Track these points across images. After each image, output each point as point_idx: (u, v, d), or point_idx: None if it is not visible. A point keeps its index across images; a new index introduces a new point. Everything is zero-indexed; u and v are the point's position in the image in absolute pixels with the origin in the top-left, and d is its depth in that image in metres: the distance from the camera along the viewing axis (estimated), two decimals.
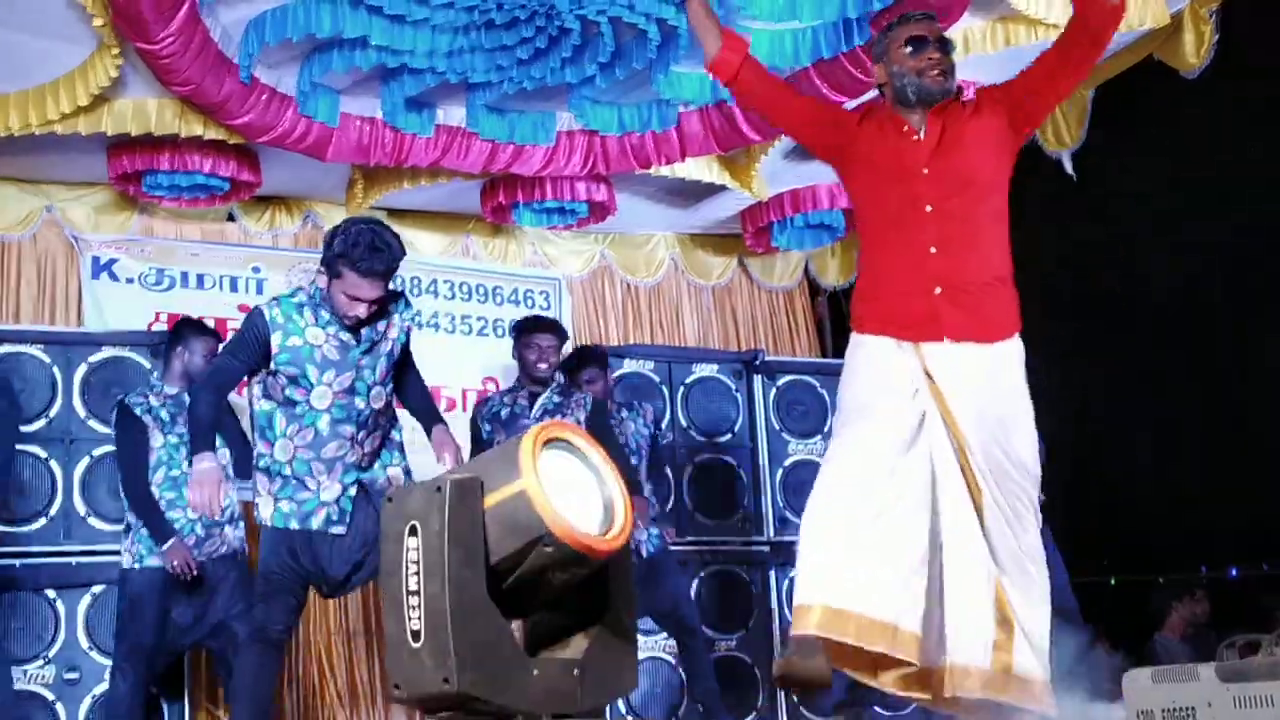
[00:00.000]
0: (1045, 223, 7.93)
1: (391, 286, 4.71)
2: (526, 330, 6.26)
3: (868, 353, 3.79)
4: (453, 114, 6.81)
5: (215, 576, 5.78)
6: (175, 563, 5.58)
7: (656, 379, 7.47)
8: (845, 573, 3.52)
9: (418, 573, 2.64)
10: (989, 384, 3.70)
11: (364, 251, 4.43)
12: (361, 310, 4.54)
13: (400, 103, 6.57)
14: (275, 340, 4.51)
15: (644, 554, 6.22)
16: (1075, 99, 6.97)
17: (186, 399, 5.78)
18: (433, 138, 6.82)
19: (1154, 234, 7.42)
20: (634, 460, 6.41)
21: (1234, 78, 6.39)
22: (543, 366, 6.14)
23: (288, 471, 4.58)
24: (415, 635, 2.60)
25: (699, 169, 7.45)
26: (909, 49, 3.92)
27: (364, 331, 4.63)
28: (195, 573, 5.65)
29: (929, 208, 3.77)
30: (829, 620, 3.49)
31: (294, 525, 4.57)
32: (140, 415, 5.79)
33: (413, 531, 2.66)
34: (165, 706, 6.18)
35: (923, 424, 3.64)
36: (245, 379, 4.68)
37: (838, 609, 3.49)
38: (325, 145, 6.69)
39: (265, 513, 4.61)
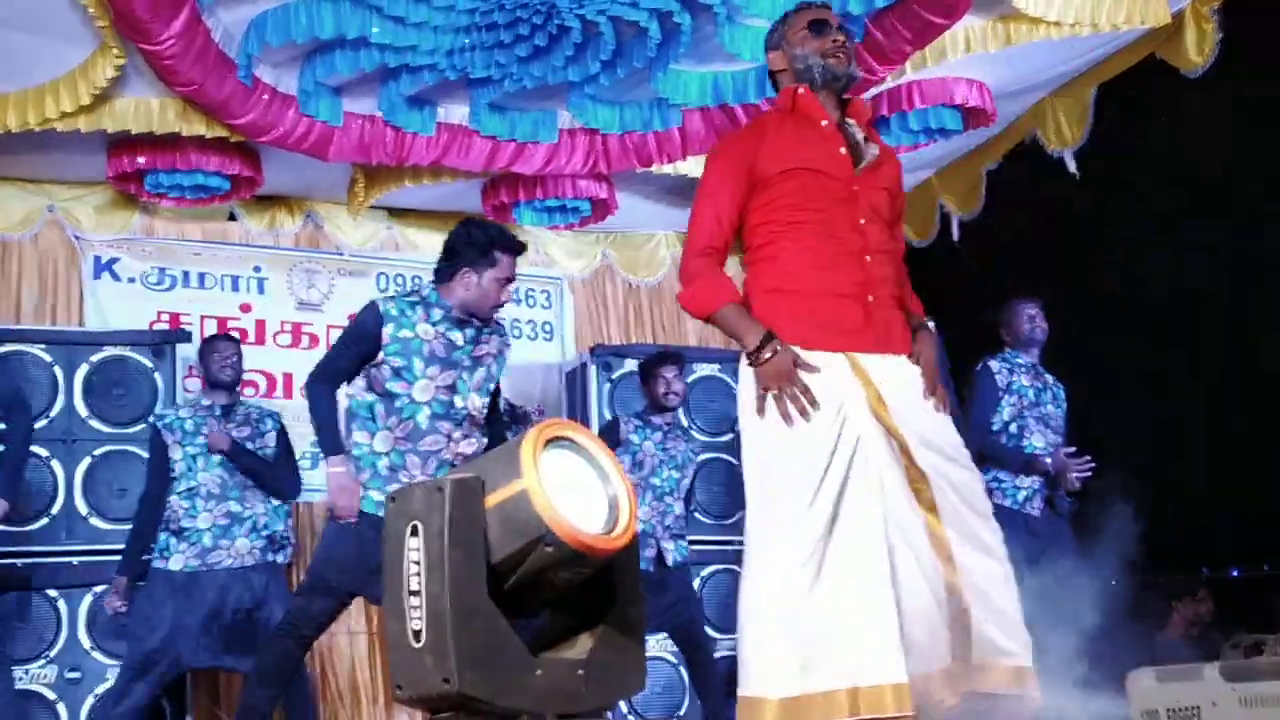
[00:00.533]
0: (1045, 221, 7.96)
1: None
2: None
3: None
4: (454, 112, 6.81)
5: (229, 586, 5.82)
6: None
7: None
8: (786, 657, 3.43)
9: (419, 573, 2.64)
10: (915, 390, 3.65)
11: (509, 235, 4.75)
12: (509, 293, 4.74)
13: (400, 101, 6.57)
14: (387, 332, 4.62)
15: (669, 562, 6.23)
16: (1077, 97, 6.98)
17: (218, 410, 5.99)
18: (434, 136, 6.82)
19: (1154, 233, 7.42)
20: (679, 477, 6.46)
21: (1236, 76, 6.39)
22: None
23: (383, 463, 4.61)
24: (416, 635, 2.59)
25: (700, 168, 7.44)
26: (810, 31, 3.75)
27: (469, 332, 4.73)
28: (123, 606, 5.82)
29: (862, 220, 3.64)
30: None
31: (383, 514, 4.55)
32: (161, 430, 5.91)
33: (414, 531, 2.65)
34: (167, 708, 6.17)
35: (856, 447, 3.47)
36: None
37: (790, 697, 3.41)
38: (327, 145, 6.69)
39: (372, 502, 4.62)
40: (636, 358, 7.32)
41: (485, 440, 4.79)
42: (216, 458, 5.85)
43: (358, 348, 4.66)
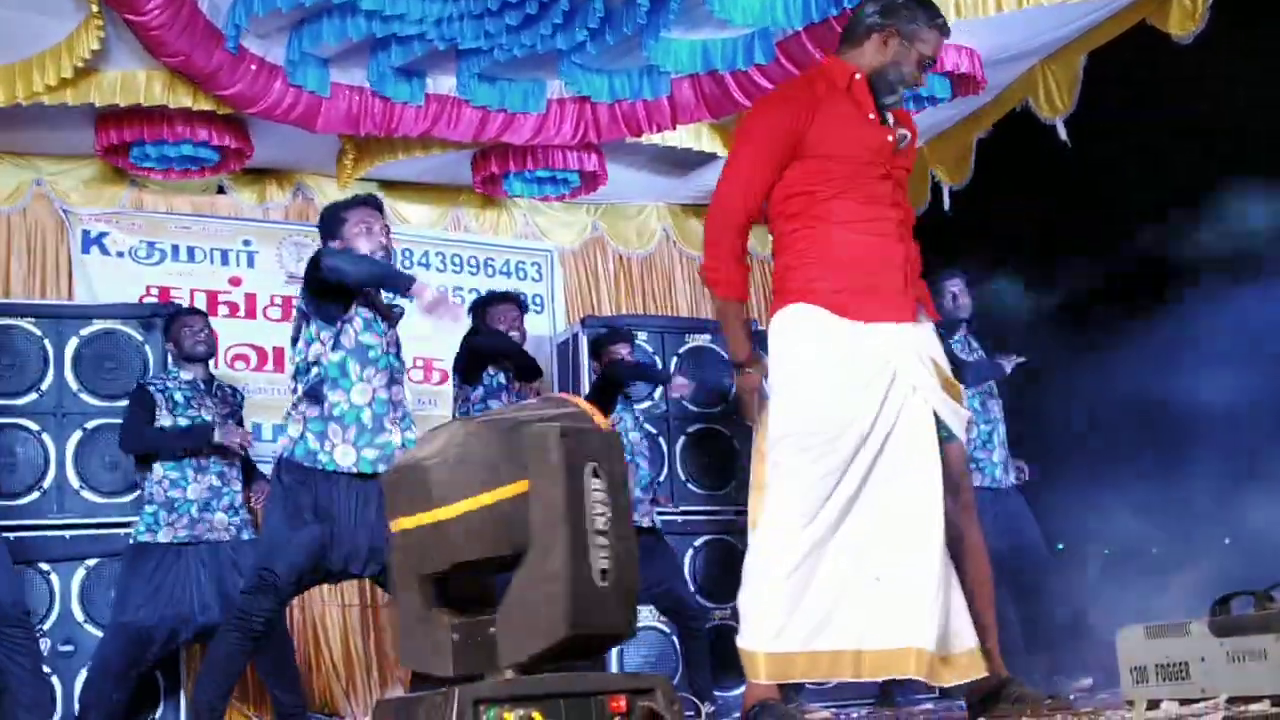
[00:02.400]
0: (1036, 190, 7.95)
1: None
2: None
3: (830, 342, 3.62)
4: (442, 83, 6.80)
5: (214, 561, 5.84)
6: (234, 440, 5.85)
7: (650, 349, 7.46)
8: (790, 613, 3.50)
9: (605, 513, 2.48)
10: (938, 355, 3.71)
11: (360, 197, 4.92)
12: (385, 240, 4.77)
13: (388, 71, 6.55)
14: None
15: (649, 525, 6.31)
16: (1066, 65, 6.96)
17: (202, 384, 6.05)
18: (423, 107, 6.80)
19: (1146, 201, 7.41)
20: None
21: (1226, 43, 6.37)
22: (515, 336, 6.40)
23: (367, 415, 4.59)
24: (604, 574, 2.47)
25: (691, 137, 7.45)
26: (923, 57, 3.78)
27: None
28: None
29: (896, 196, 3.75)
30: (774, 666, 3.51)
31: (381, 469, 4.55)
32: (154, 393, 5.93)
33: (596, 473, 2.52)
34: (161, 682, 6.17)
35: (897, 416, 3.54)
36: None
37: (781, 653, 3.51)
38: (315, 115, 6.67)
39: (347, 461, 4.57)
40: (628, 328, 7.32)
41: None
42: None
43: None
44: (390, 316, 4.76)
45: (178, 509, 5.80)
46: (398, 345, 4.80)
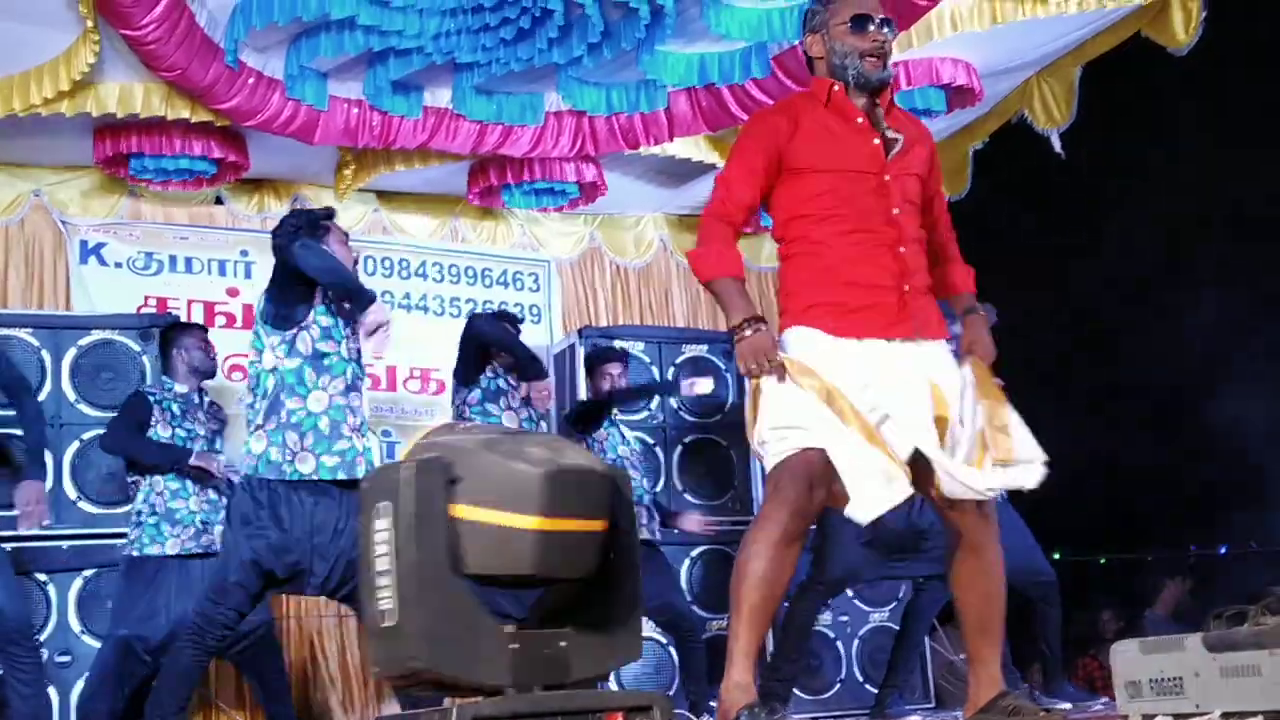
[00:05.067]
0: (1036, 207, 7.97)
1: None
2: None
3: (824, 354, 3.59)
4: (440, 96, 6.81)
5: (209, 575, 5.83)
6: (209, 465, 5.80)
7: (646, 360, 7.48)
8: None
9: (386, 553, 2.65)
10: (955, 377, 3.67)
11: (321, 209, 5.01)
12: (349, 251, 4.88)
13: (385, 85, 6.56)
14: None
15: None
16: (1062, 76, 6.98)
17: (196, 398, 6.05)
18: (420, 120, 6.82)
19: (1143, 211, 7.44)
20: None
21: (1222, 55, 6.40)
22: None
23: (324, 422, 4.60)
24: (384, 615, 2.60)
25: (688, 148, 7.45)
26: (850, 25, 3.72)
27: None
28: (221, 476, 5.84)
29: (895, 210, 3.66)
30: None
31: (341, 475, 4.58)
32: (151, 402, 5.92)
33: (380, 513, 2.66)
34: None
35: (881, 422, 3.51)
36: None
37: None
38: (312, 128, 6.68)
39: (307, 468, 4.57)
40: (625, 339, 7.34)
41: None
42: (198, 446, 5.87)
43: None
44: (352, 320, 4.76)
45: (181, 520, 5.79)
46: (358, 354, 4.80)
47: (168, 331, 6.23)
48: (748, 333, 3.56)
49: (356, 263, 4.89)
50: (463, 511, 2.70)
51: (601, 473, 2.78)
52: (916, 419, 3.53)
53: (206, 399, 6.16)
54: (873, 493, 3.46)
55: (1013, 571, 5.87)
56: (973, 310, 3.86)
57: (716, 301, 3.78)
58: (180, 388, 6.04)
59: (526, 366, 5.95)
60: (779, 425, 3.54)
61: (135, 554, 5.79)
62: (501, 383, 6.09)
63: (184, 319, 6.96)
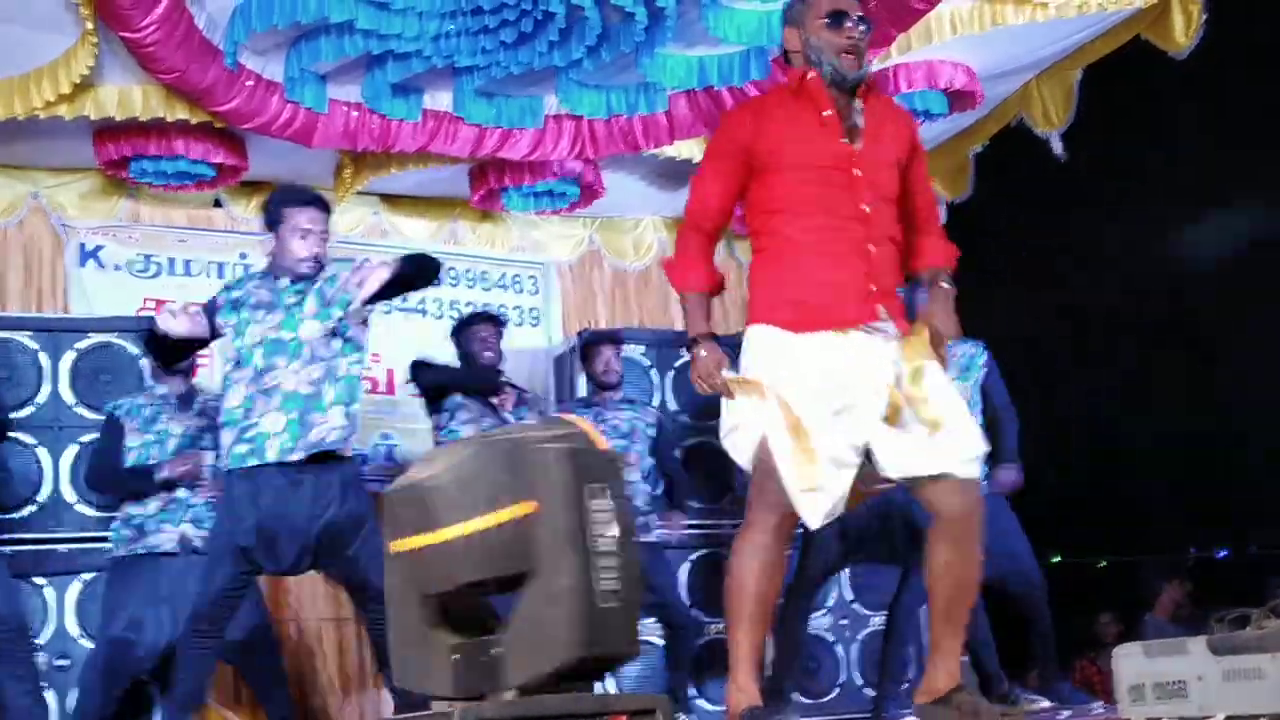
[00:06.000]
0: (1037, 209, 7.97)
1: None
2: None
3: (797, 357, 3.63)
4: (439, 99, 6.80)
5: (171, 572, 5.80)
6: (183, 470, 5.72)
7: (646, 363, 7.46)
8: None
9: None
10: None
11: (297, 192, 5.14)
12: (312, 245, 4.88)
13: (384, 88, 6.56)
14: (219, 319, 4.83)
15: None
16: (1061, 79, 6.98)
17: (174, 399, 5.93)
18: (419, 123, 6.81)
19: (1143, 215, 7.44)
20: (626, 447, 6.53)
21: (1222, 58, 6.40)
22: (489, 355, 6.51)
23: (239, 413, 4.69)
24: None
25: (688, 149, 7.44)
26: (827, 20, 3.72)
27: (296, 284, 4.88)
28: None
29: (865, 206, 3.66)
30: None
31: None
32: (120, 418, 5.84)
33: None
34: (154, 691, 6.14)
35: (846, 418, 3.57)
36: None
37: None
38: (311, 131, 6.67)
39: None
40: (624, 342, 7.33)
41: (334, 364, 4.79)
42: (172, 445, 5.80)
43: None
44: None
45: (162, 520, 5.78)
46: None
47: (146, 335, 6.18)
48: (701, 352, 3.71)
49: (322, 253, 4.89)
50: (401, 546, 2.67)
51: (498, 459, 2.62)
52: (874, 409, 3.57)
53: (200, 397, 6.07)
54: (811, 500, 3.53)
55: (1002, 574, 5.89)
56: (937, 279, 3.87)
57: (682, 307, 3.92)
58: (159, 388, 5.96)
59: (476, 389, 6.28)
60: (729, 430, 3.69)
61: (121, 555, 5.77)
62: (459, 398, 6.29)
63: None
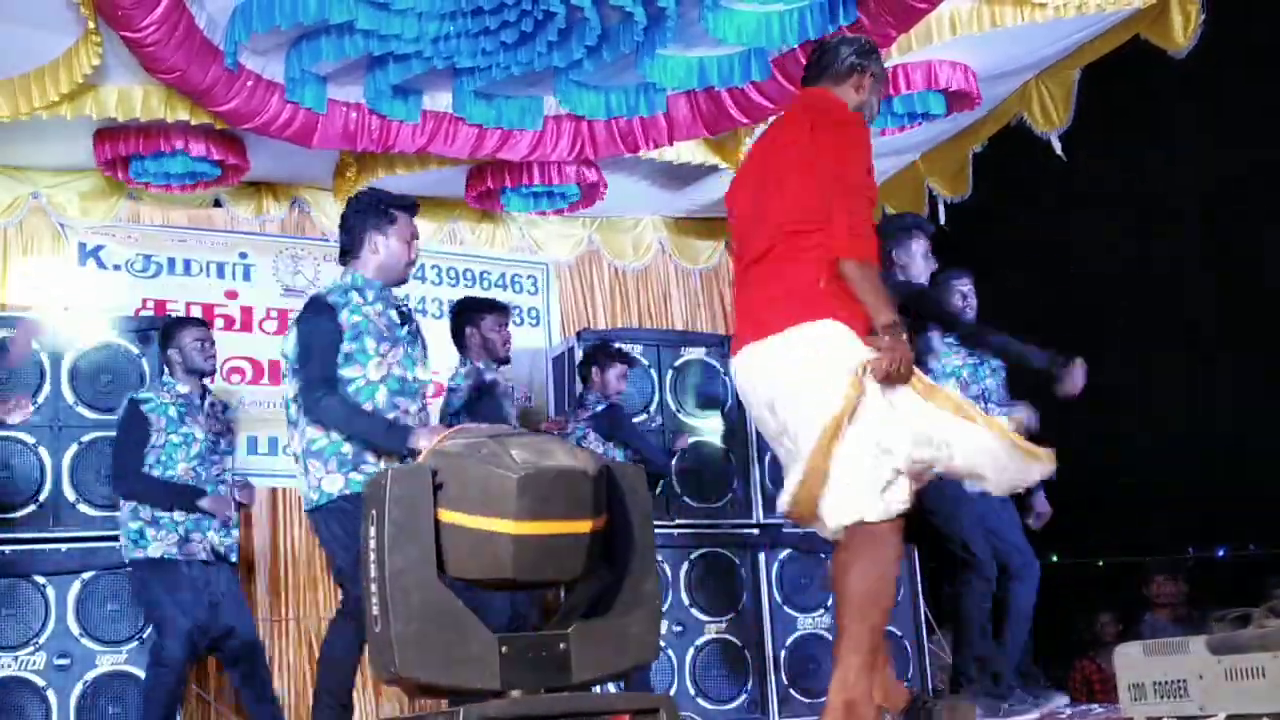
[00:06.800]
0: (1037, 209, 7.97)
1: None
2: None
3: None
4: (439, 100, 6.80)
5: (203, 580, 5.86)
6: (219, 511, 5.84)
7: (645, 363, 7.47)
8: None
9: (374, 560, 2.66)
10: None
11: (396, 195, 5.03)
12: (416, 249, 4.92)
13: (385, 89, 6.56)
14: (342, 319, 4.65)
15: None
16: (1061, 79, 6.98)
17: (197, 399, 6.02)
18: (419, 124, 6.81)
19: (1140, 215, 7.44)
20: None
21: (1220, 57, 6.41)
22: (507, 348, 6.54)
23: (346, 449, 4.55)
24: (375, 620, 2.61)
25: (686, 150, 7.44)
26: (881, 87, 4.16)
27: (401, 311, 4.85)
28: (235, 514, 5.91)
29: None
30: None
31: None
32: (147, 414, 5.88)
33: (371, 519, 2.67)
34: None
35: None
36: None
37: None
38: (311, 132, 6.67)
39: (334, 488, 4.55)
40: (623, 342, 7.34)
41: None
42: (196, 449, 5.87)
43: (334, 346, 4.59)
44: None
45: (164, 526, 5.80)
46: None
47: (166, 328, 6.20)
48: (904, 339, 3.69)
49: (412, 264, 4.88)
50: (447, 516, 2.70)
51: (588, 472, 2.75)
52: None
53: (209, 399, 6.12)
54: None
55: (1004, 550, 5.84)
56: None
57: (861, 288, 3.72)
58: (181, 387, 6.02)
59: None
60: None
61: (135, 558, 5.80)
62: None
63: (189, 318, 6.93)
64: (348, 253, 4.83)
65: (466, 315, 6.53)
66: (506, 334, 6.57)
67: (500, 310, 6.62)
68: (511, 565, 2.64)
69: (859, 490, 3.55)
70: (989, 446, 3.66)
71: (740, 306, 3.97)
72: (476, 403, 6.22)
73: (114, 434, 6.01)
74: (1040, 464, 3.72)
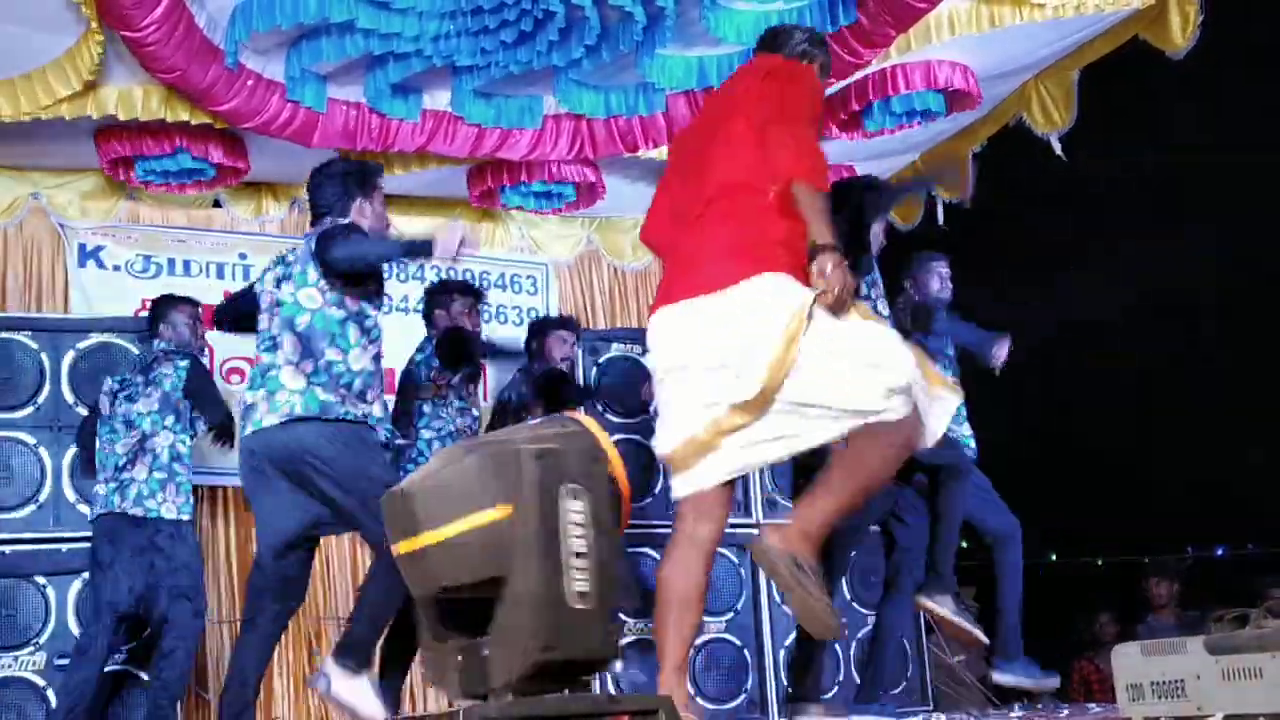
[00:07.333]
0: (1037, 209, 7.97)
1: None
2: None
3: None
4: (439, 99, 6.81)
5: (138, 537, 5.79)
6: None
7: (644, 363, 7.46)
8: None
9: (583, 535, 2.47)
10: None
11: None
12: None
13: (385, 88, 6.56)
14: None
15: None
16: (1060, 80, 6.99)
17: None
18: (419, 123, 6.82)
19: (1141, 216, 7.44)
20: None
21: (1219, 58, 6.42)
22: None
23: (358, 382, 4.55)
24: (582, 596, 2.46)
25: None
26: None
27: None
28: None
29: None
30: None
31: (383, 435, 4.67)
32: (101, 395, 5.91)
33: (576, 495, 2.51)
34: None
35: None
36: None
37: None
38: (311, 131, 6.68)
39: (361, 410, 4.54)
40: (622, 341, 7.33)
41: None
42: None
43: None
44: None
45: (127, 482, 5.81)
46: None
47: (157, 304, 6.17)
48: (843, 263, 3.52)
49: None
50: (397, 549, 2.64)
51: (485, 464, 2.57)
52: None
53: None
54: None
55: (989, 524, 5.79)
56: None
57: (810, 213, 3.56)
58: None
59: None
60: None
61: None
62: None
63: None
64: (324, 215, 4.75)
65: (437, 298, 6.51)
66: (476, 318, 6.51)
67: (472, 293, 6.57)
68: (422, 578, 2.58)
69: (863, 385, 3.48)
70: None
71: (680, 258, 3.83)
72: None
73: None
74: (954, 395, 3.69)
